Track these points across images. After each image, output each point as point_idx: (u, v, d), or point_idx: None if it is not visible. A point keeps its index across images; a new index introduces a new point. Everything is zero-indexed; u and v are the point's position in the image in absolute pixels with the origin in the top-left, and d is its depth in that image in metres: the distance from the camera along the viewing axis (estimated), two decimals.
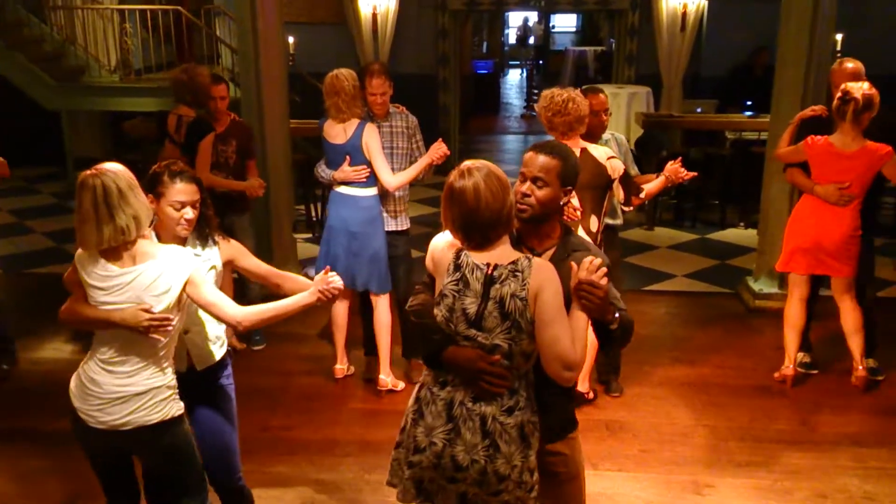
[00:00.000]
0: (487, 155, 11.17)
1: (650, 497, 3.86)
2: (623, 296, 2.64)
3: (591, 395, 4.69)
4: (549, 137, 4.16)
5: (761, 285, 6.08)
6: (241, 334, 5.09)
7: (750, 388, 4.88)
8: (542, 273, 2.40)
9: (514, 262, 2.42)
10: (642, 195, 4.32)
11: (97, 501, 3.83)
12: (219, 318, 2.85)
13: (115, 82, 9.51)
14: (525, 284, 2.38)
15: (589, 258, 2.38)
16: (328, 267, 2.90)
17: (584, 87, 4.32)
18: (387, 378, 4.83)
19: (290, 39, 9.17)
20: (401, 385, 4.87)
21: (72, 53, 9.77)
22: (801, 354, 4.96)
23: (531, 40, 21.98)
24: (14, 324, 5.29)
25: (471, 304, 2.44)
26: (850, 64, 4.70)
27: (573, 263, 2.41)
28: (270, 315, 2.81)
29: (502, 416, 2.46)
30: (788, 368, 4.84)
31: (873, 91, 4.35)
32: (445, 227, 2.53)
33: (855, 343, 4.70)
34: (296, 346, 5.44)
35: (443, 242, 2.58)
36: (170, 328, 2.70)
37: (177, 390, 2.84)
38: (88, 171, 2.67)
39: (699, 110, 9.45)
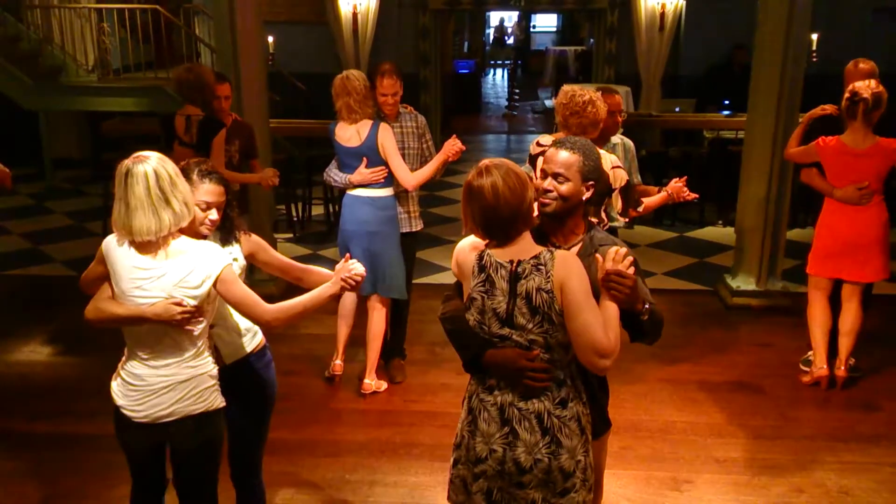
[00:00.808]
0: (469, 154, 11.15)
1: (630, 493, 3.89)
2: None
3: None
4: (535, 137, 4.19)
5: (739, 283, 6.14)
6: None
7: (728, 385, 4.92)
8: (565, 264, 2.40)
9: (536, 256, 2.42)
10: (640, 208, 4.30)
11: (71, 502, 3.84)
12: (249, 317, 2.84)
13: (93, 82, 9.43)
14: (549, 277, 2.39)
15: (614, 248, 2.39)
16: (348, 255, 2.88)
17: (600, 87, 4.30)
18: (371, 382, 4.82)
19: (270, 38, 9.13)
20: (384, 386, 4.88)
21: (49, 53, 9.66)
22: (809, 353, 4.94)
23: (510, 40, 22.03)
24: None
25: (500, 303, 2.44)
26: (864, 65, 4.71)
27: (598, 256, 2.42)
28: (300, 311, 2.79)
29: (558, 410, 2.46)
30: (822, 369, 4.78)
31: (881, 88, 4.38)
32: (466, 226, 2.52)
33: (844, 344, 4.74)
34: (276, 345, 5.40)
35: (465, 246, 2.58)
36: (202, 319, 2.72)
37: (218, 381, 2.85)
38: (129, 160, 2.62)
39: (678, 109, 9.53)
